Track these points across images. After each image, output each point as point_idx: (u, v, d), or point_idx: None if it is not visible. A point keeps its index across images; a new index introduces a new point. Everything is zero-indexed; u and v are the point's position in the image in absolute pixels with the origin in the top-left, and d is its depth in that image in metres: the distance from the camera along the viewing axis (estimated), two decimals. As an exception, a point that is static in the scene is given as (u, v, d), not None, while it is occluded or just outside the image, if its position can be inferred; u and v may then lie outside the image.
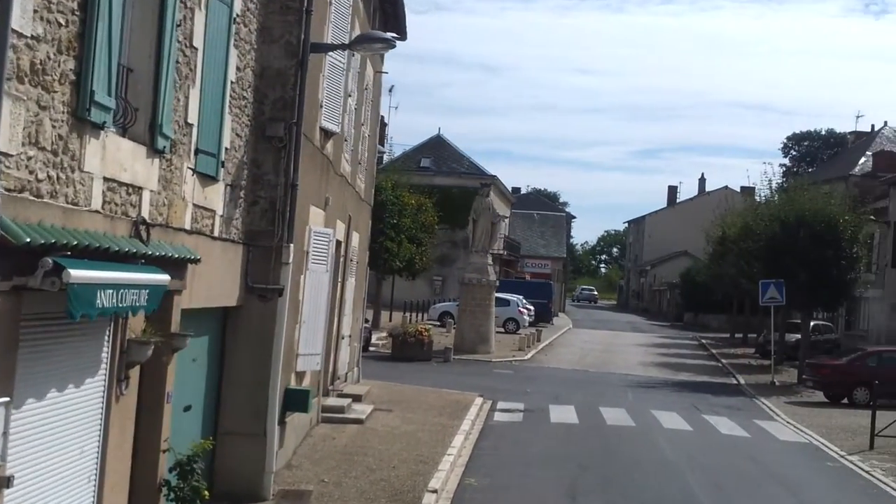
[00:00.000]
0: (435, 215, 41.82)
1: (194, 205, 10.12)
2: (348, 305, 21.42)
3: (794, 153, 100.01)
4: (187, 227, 9.91)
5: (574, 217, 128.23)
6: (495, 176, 62.22)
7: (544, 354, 38.38)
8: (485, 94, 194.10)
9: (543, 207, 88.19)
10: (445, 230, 53.90)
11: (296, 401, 13.86)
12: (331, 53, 14.58)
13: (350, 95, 17.78)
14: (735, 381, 33.64)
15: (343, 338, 20.28)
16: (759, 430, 21.82)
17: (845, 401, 27.87)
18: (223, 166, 11.01)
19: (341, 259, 19.03)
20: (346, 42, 14.29)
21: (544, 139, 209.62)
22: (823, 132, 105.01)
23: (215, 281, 11.18)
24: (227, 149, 11.16)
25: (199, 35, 9.81)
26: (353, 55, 17.60)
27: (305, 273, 14.35)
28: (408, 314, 46.97)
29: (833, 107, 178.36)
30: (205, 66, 10.05)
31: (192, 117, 9.82)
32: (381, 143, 63.15)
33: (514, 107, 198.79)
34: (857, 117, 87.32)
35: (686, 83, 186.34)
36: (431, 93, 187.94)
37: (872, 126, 64.85)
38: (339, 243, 18.16)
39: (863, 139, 63.15)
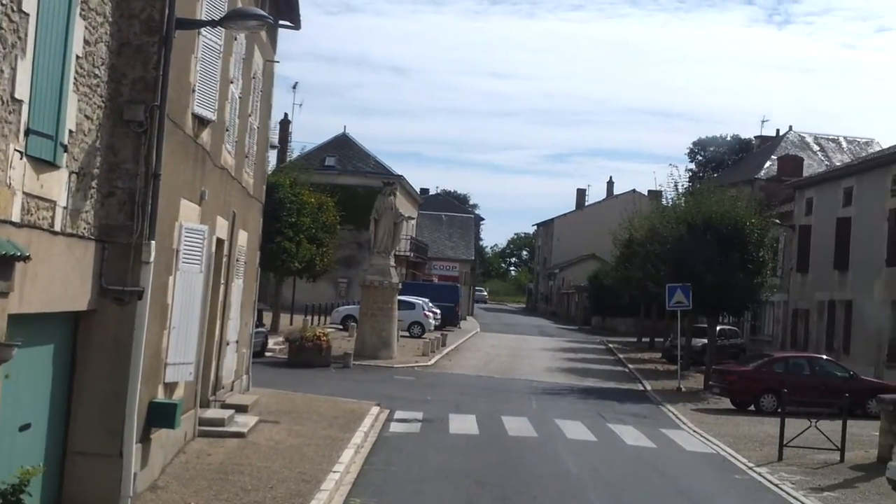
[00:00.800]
0: (337, 215, 40.47)
1: (25, 194, 8.72)
2: (234, 309, 20.03)
3: (700, 158, 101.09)
4: (15, 219, 8.51)
5: (483, 219, 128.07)
6: (401, 175, 61.09)
7: (449, 360, 37.33)
8: (396, 97, 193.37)
9: (452, 209, 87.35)
10: (350, 231, 52.61)
11: (161, 415, 12.48)
12: (206, 34, 13.26)
13: (233, 82, 16.44)
14: (642, 388, 33.03)
15: (228, 344, 18.89)
16: (666, 440, 21.03)
17: (752, 408, 27.38)
18: (66, 151, 9.62)
19: (224, 259, 17.65)
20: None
21: (456, 142, 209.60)
22: (729, 138, 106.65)
23: (57, 282, 9.76)
24: (72, 132, 9.76)
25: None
26: (236, 39, 16.28)
27: (175, 274, 12.96)
28: (310, 317, 45.59)
29: (738, 114, 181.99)
30: (39, 35, 8.66)
31: (21, 92, 8.42)
32: (285, 139, 61.84)
33: (425, 109, 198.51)
34: (763, 122, 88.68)
35: (595, 89, 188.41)
36: (342, 94, 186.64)
37: (777, 131, 65.42)
38: (220, 242, 16.78)
39: (768, 143, 63.61)
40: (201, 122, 13.80)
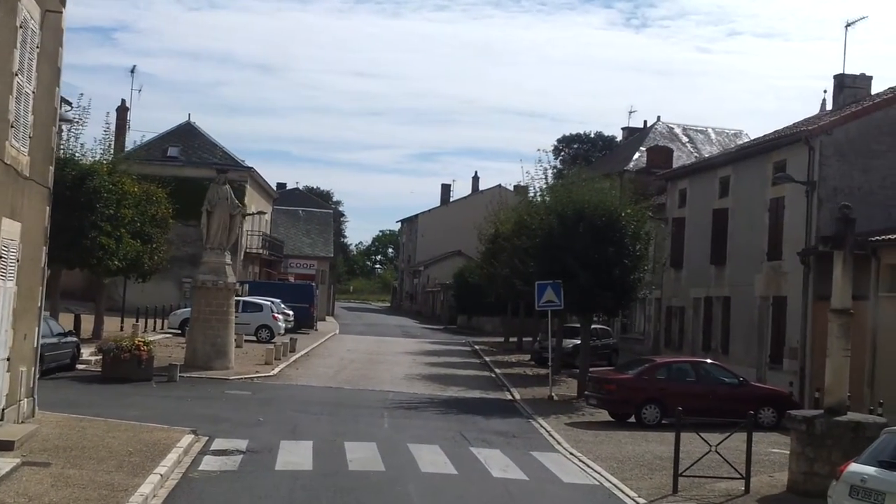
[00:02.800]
0: (169, 207, 35.91)
1: None
2: (3, 318, 15.86)
3: (565, 155, 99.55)
4: None
5: (343, 214, 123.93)
6: (251, 167, 56.61)
7: (295, 368, 33.24)
8: (262, 95, 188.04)
9: (311, 205, 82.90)
10: (195, 227, 47.79)
11: None
12: None
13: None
14: (510, 397, 29.68)
15: (-7, 363, 14.68)
16: (539, 469, 17.59)
17: (632, 419, 24.31)
18: None
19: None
20: None
21: (323, 141, 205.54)
22: (593, 135, 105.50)
23: None
24: None
25: None
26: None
27: None
28: (144, 322, 40.96)
29: (601, 114, 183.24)
30: None
31: None
32: (123, 127, 56.54)
33: (292, 108, 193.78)
34: (630, 112, 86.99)
35: (461, 89, 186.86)
36: (206, 91, 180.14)
37: (645, 122, 63.46)
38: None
39: (636, 135, 61.56)
40: None
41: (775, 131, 36.70)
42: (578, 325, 39.35)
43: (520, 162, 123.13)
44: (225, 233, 30.71)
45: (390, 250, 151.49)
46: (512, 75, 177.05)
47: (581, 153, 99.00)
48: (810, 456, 16.16)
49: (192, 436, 18.31)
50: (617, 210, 29.23)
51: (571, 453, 19.47)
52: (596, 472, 17.59)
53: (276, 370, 31.27)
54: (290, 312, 48.08)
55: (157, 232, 34.51)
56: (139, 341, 27.03)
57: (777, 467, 18.70)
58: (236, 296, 47.21)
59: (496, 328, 65.04)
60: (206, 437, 18.51)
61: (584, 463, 18.46)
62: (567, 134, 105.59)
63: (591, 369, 30.19)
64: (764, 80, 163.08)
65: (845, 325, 16.71)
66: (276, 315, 43.35)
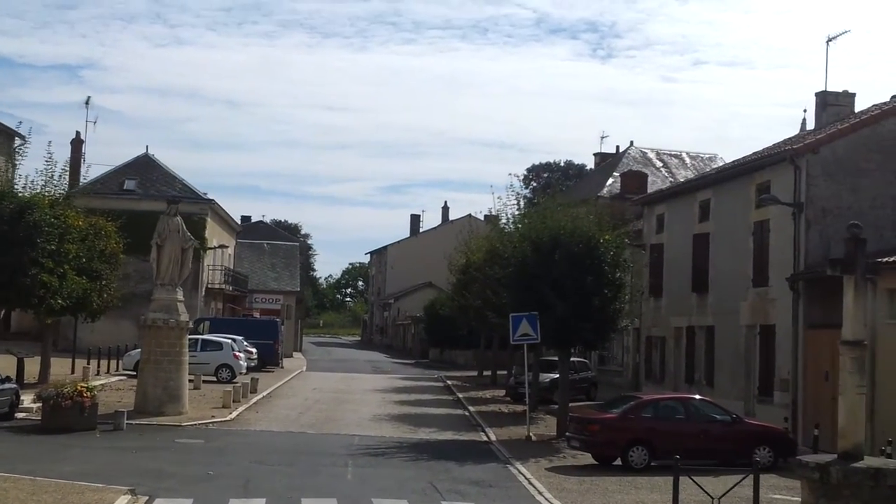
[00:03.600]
0: (120, 242, 33.78)
1: None
2: None
3: (535, 185, 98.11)
4: None
5: (311, 247, 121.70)
6: (212, 199, 54.52)
7: (255, 411, 31.08)
8: (231, 130, 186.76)
9: (278, 238, 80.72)
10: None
11: None
12: None
13: None
14: (485, 438, 27.70)
15: None
16: (520, 527, 15.69)
17: (618, 461, 22.41)
18: None
19: None
20: None
21: (292, 175, 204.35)
22: (563, 163, 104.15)
23: None
24: None
25: None
26: None
27: None
28: (97, 363, 38.77)
29: (568, 144, 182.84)
30: None
31: None
32: (78, 160, 54.36)
33: (261, 143, 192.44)
34: (602, 138, 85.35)
35: (430, 121, 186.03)
36: (174, 128, 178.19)
37: (617, 147, 61.99)
38: None
39: (608, 161, 60.07)
40: None
41: (756, 152, 35.17)
42: (555, 359, 37.63)
43: (490, 190, 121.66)
44: (177, 267, 28.70)
45: (360, 283, 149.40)
46: (480, 107, 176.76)
47: (552, 182, 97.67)
48: (825, 507, 14.29)
49: (129, 496, 16.28)
50: (595, 236, 27.45)
51: (555, 506, 17.54)
52: (584, 528, 15.67)
53: (234, 414, 29.14)
54: (254, 350, 46.03)
55: (106, 268, 32.39)
56: (81, 387, 24.86)
57: (783, 517, 16.86)
58: (195, 334, 45.27)
59: (469, 361, 63.13)
60: (146, 498, 16.48)
61: (569, 517, 16.54)
62: (537, 163, 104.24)
63: (570, 406, 28.38)
64: (729, 107, 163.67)
65: (859, 359, 14.87)
66: (237, 353, 41.25)
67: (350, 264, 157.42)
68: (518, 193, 36.51)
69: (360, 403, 35.63)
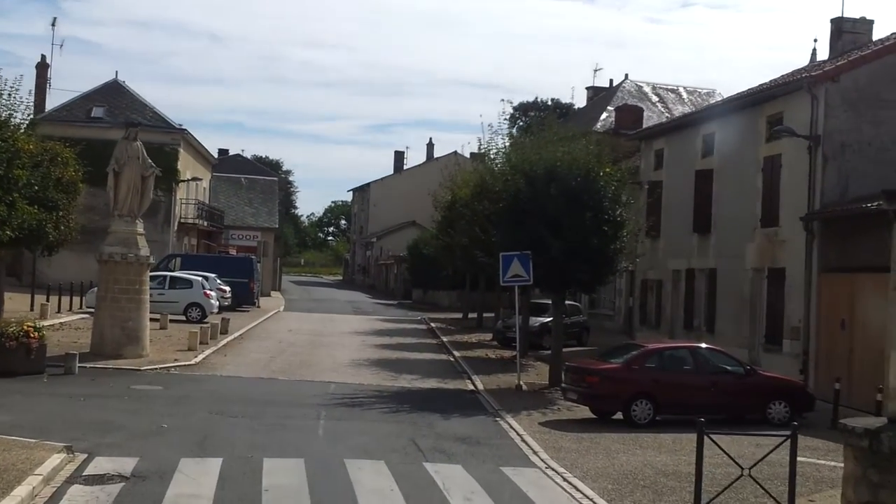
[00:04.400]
0: (80, 170, 31.20)
1: None
2: None
3: (522, 123, 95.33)
4: None
5: (291, 183, 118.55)
6: (185, 129, 51.72)
7: (223, 354, 28.79)
8: (214, 65, 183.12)
9: (257, 173, 77.88)
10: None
11: None
12: None
13: None
14: (472, 387, 25.56)
15: None
16: (515, 497, 13.51)
17: (619, 416, 20.32)
18: None
19: None
20: None
21: (277, 112, 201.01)
22: (550, 102, 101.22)
23: None
24: None
25: None
26: None
27: None
28: (58, 300, 36.47)
29: (555, 87, 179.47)
30: None
31: None
32: (43, 86, 51.55)
33: (244, 79, 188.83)
34: (595, 71, 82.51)
35: (414, 60, 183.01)
36: (157, 61, 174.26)
37: (611, 81, 59.39)
38: None
39: (602, 95, 57.48)
40: None
41: (765, 83, 32.73)
42: (545, 301, 35.50)
43: (479, 119, 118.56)
44: (136, 197, 26.21)
45: (343, 222, 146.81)
46: (466, 47, 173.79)
47: (538, 121, 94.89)
48: (874, 481, 12.14)
49: (65, 454, 14.03)
50: (594, 168, 25.10)
51: (552, 468, 15.39)
52: (588, 498, 13.54)
53: (200, 357, 26.87)
54: (227, 288, 43.74)
55: (63, 198, 29.82)
56: (28, 326, 22.51)
57: (813, 485, 14.77)
58: (166, 270, 42.91)
59: (454, 303, 61.04)
60: (84, 456, 14.25)
61: (569, 483, 14.37)
62: (523, 101, 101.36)
63: (563, 353, 26.29)
64: (717, 50, 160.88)
65: (915, 308, 12.69)
66: (208, 292, 38.92)
67: (333, 202, 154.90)
68: (509, 121, 34.28)
69: (338, 347, 33.45)
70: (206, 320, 36.92)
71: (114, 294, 25.71)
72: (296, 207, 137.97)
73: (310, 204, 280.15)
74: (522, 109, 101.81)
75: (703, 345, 22.34)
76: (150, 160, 26.65)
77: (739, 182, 30.50)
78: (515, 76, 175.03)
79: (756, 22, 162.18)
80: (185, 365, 25.47)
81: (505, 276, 25.51)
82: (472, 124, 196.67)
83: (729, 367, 20.82)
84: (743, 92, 32.31)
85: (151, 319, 33.92)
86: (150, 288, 37.74)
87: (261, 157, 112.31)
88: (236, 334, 34.20)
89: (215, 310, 38.93)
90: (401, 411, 20.68)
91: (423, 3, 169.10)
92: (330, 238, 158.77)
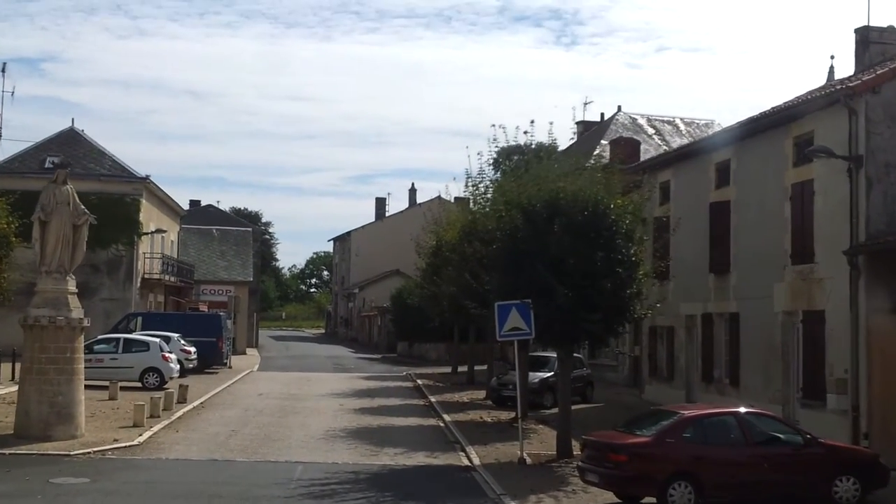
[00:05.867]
0: (13, 223, 27.37)
1: None
2: None
3: (506, 167, 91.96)
4: None
5: (267, 234, 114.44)
6: (147, 177, 47.88)
7: (175, 430, 24.60)
8: (195, 122, 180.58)
9: (230, 223, 73.99)
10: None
11: None
12: None
13: None
14: (466, 461, 21.56)
15: None
16: None
17: (650, 499, 16.42)
18: None
19: None
20: None
21: (258, 166, 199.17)
22: (533, 145, 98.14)
23: None
24: None
25: None
26: None
27: None
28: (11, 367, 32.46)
29: (538, 131, 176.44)
30: None
31: None
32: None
33: (226, 134, 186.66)
34: (585, 104, 78.91)
35: (395, 110, 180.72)
36: (137, 120, 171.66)
37: (602, 115, 56.00)
38: None
39: (594, 129, 54.06)
40: None
41: (789, 100, 29.15)
42: (546, 355, 31.74)
43: (458, 183, 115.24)
44: (67, 249, 22.29)
45: (325, 273, 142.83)
46: (446, 95, 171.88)
47: (522, 165, 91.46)
48: None
49: None
50: (603, 200, 21.37)
51: (583, 591, 11.49)
52: None
53: (146, 436, 22.76)
54: (192, 349, 39.76)
55: (-4, 253, 25.99)
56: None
57: None
58: (125, 332, 38.97)
59: (441, 356, 57.10)
60: None
61: None
62: (505, 146, 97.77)
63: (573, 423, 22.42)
64: (692, 93, 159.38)
65: None
66: (166, 355, 34.87)
67: (314, 253, 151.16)
68: (493, 166, 31.07)
69: (312, 413, 29.42)
70: (166, 386, 32.99)
71: (41, 364, 21.70)
72: (276, 260, 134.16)
73: (292, 256, 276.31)
74: (506, 154, 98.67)
75: (748, 409, 18.39)
76: (83, 206, 22.77)
77: (763, 213, 26.88)
78: (497, 123, 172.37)
79: (731, 64, 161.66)
80: (124, 447, 21.34)
81: (502, 330, 21.70)
82: (455, 171, 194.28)
83: (783, 436, 16.95)
84: (765, 112, 28.75)
85: (100, 388, 30.12)
86: (102, 352, 34.32)
87: (240, 209, 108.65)
88: (196, 403, 30.10)
89: (175, 374, 34.88)
90: (383, 501, 16.73)
91: (402, 54, 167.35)
92: (313, 290, 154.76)
